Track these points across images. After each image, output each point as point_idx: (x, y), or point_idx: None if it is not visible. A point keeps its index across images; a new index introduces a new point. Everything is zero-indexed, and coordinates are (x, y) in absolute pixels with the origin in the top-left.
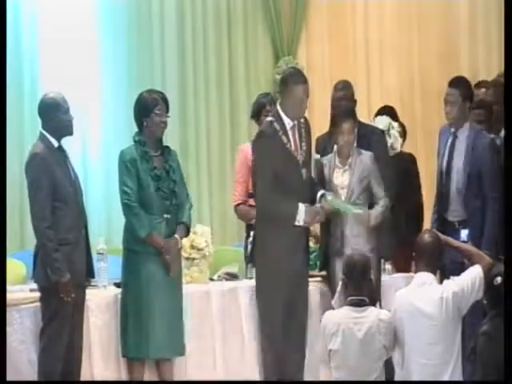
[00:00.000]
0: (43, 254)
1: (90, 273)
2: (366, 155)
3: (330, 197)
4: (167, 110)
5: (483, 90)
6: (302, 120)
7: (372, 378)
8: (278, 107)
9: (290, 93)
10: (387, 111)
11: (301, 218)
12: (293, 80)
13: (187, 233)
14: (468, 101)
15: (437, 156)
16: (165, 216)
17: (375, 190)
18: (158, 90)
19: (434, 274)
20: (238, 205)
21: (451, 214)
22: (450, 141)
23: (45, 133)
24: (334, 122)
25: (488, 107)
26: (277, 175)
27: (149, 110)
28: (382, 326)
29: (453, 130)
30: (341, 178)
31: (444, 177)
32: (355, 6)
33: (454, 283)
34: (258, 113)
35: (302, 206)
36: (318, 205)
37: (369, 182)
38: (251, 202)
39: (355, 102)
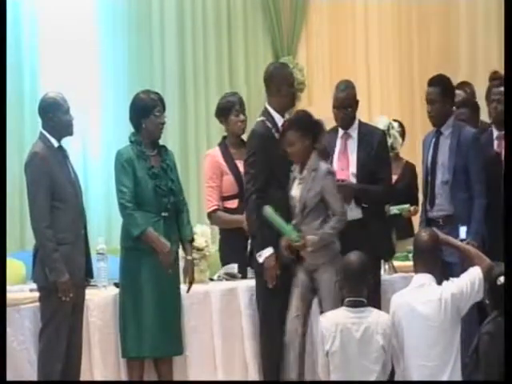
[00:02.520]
0: (42, 254)
1: (89, 273)
2: (322, 169)
3: (270, 209)
4: (164, 111)
5: (460, 91)
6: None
7: (371, 380)
8: (267, 106)
9: (274, 87)
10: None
11: (262, 257)
12: (275, 74)
13: (192, 239)
14: (449, 98)
15: (421, 163)
16: (163, 214)
17: (331, 206)
18: (153, 90)
19: (433, 274)
20: (215, 211)
21: (436, 209)
22: (434, 139)
23: (45, 132)
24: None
25: (472, 106)
26: (271, 173)
27: (148, 111)
28: (380, 327)
29: (436, 127)
30: (295, 191)
31: (429, 172)
32: (355, 6)
33: (453, 285)
34: (227, 112)
35: (269, 249)
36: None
37: (322, 197)
38: (226, 204)
39: (357, 102)
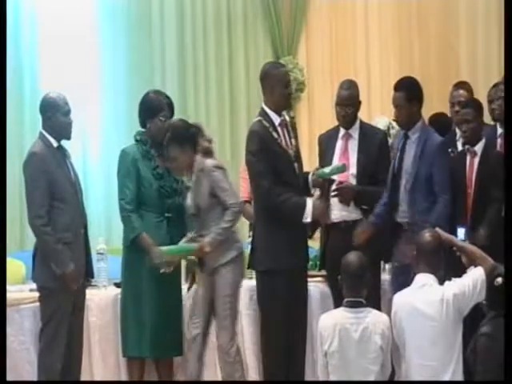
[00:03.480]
0: (44, 250)
1: (90, 273)
2: (208, 167)
3: (162, 250)
4: (172, 115)
5: (462, 91)
6: (287, 118)
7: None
8: (263, 106)
9: (268, 86)
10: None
11: (309, 215)
12: (269, 73)
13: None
14: (416, 101)
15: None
16: (166, 215)
17: (222, 200)
18: (165, 93)
19: (435, 274)
20: (244, 202)
21: (400, 215)
22: (401, 142)
23: (44, 132)
24: None
25: (476, 105)
26: (274, 171)
27: (153, 113)
28: (378, 327)
29: (403, 131)
30: (189, 199)
31: (395, 177)
32: (355, 5)
33: (455, 285)
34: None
35: (309, 201)
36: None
37: (213, 193)
38: None
39: (359, 103)
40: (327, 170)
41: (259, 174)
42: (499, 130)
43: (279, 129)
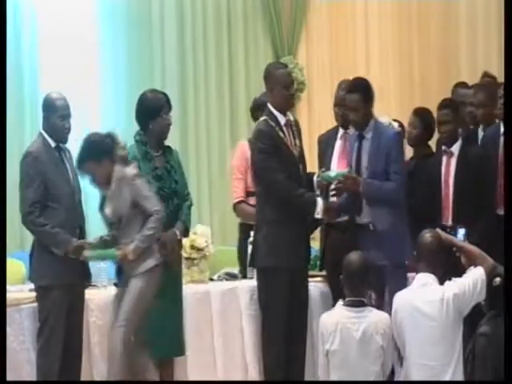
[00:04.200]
0: (43, 239)
1: (86, 274)
2: (128, 176)
3: (88, 253)
4: (170, 110)
5: (469, 90)
6: (292, 118)
7: (370, 379)
8: (268, 105)
9: (269, 87)
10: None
11: (320, 211)
12: (271, 74)
13: (186, 231)
14: (371, 101)
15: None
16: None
17: (144, 208)
18: (160, 90)
19: (436, 274)
20: (240, 202)
21: (364, 215)
22: (356, 143)
23: (42, 131)
24: None
25: (453, 107)
26: (283, 169)
27: (155, 112)
28: (379, 327)
29: (357, 132)
30: (107, 208)
31: None
32: (355, 5)
33: (455, 284)
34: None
35: (319, 200)
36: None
37: (135, 202)
38: (250, 200)
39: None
40: (332, 173)
41: (272, 170)
42: (503, 128)
43: (285, 129)
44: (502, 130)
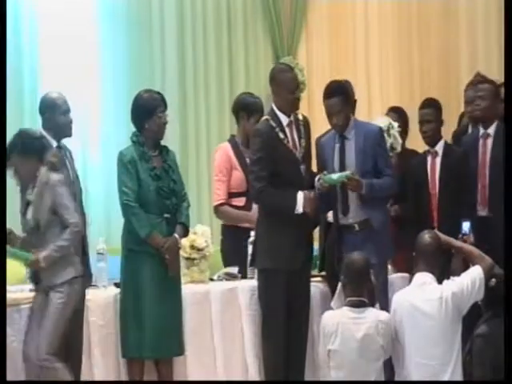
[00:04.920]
0: None
1: (87, 274)
2: (52, 181)
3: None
4: (166, 109)
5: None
6: (301, 117)
7: (371, 379)
8: (273, 105)
9: (274, 89)
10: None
11: (300, 206)
12: (276, 76)
13: (186, 232)
14: (351, 103)
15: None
16: (165, 215)
17: (62, 218)
18: (154, 90)
19: (434, 274)
20: (221, 204)
21: (351, 216)
22: (338, 145)
23: (43, 132)
24: None
25: (436, 106)
26: (275, 172)
27: (151, 112)
28: (380, 327)
29: (338, 134)
30: (28, 214)
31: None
32: (355, 5)
33: (454, 283)
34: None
35: (300, 193)
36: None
37: (55, 210)
38: (233, 201)
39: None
40: (335, 176)
41: (253, 174)
42: (481, 130)
43: (287, 129)
44: (481, 132)
